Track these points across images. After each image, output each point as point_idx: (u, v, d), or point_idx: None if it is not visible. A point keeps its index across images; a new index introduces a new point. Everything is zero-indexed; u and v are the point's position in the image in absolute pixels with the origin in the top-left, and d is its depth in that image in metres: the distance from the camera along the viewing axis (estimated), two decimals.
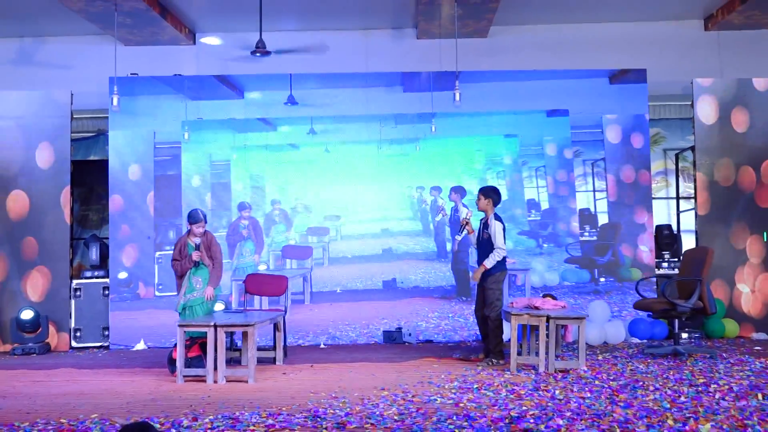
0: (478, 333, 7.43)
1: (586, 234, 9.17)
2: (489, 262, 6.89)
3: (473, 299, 7.71)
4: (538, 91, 9.44)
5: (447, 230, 9.22)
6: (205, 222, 6.87)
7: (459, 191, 9.00)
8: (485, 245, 6.99)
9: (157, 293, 9.03)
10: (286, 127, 9.48)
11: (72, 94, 9.16)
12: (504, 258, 7.00)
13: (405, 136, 9.42)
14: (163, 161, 9.34)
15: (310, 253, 9.55)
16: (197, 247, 6.80)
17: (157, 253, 9.10)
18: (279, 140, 9.52)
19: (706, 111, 9.10)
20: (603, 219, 9.27)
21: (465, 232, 7.17)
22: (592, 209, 9.32)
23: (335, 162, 9.41)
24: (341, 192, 9.45)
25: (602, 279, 9.08)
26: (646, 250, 8.98)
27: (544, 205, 9.43)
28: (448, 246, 9.23)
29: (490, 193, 7.13)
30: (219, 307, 7.50)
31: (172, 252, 7.04)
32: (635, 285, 8.10)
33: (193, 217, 6.82)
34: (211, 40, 10.33)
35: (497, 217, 7.03)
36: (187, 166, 9.33)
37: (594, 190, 9.23)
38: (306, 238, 9.48)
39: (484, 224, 7.08)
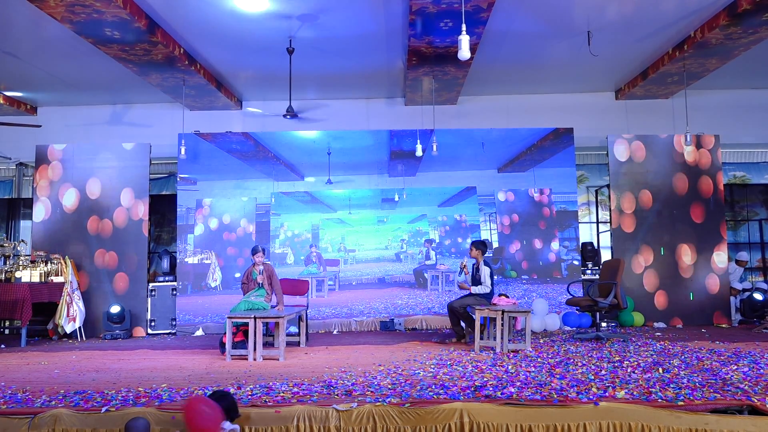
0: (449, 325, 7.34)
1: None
2: (474, 289, 6.98)
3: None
4: (492, 153, 9.42)
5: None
6: (263, 253, 6.98)
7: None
8: (477, 282, 7.05)
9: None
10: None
11: (150, 146, 9.16)
12: (488, 293, 6.99)
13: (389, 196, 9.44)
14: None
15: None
16: (260, 273, 6.89)
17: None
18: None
19: (615, 155, 9.20)
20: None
21: (464, 274, 7.17)
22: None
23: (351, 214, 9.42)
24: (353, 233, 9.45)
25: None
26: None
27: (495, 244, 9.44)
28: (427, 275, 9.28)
29: (479, 245, 7.16)
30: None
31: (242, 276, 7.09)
32: (566, 286, 8.03)
33: (254, 250, 6.98)
34: (253, 106, 10.34)
35: (486, 263, 7.04)
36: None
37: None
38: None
39: (476, 268, 7.09)
